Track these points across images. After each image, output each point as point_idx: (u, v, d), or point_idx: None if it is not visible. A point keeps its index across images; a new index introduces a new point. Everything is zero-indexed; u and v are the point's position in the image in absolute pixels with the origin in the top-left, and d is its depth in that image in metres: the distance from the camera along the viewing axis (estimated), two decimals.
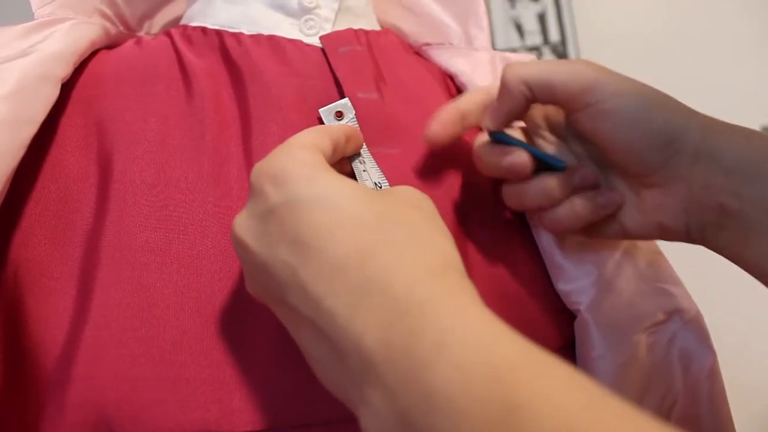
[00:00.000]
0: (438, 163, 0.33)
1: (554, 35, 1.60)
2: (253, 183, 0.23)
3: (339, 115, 0.31)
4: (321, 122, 0.31)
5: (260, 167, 0.23)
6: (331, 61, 0.34)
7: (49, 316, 0.25)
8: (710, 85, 1.53)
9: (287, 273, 0.20)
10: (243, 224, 0.22)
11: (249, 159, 0.30)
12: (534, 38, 1.60)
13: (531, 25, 1.61)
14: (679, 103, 0.27)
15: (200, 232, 0.27)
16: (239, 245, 0.22)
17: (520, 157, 0.28)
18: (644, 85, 0.27)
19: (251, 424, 0.24)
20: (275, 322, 0.24)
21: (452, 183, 0.33)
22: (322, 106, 0.31)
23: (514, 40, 1.60)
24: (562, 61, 0.28)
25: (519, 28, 1.61)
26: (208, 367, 0.25)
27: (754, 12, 1.53)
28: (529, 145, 0.29)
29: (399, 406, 0.17)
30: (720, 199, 0.26)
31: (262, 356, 0.26)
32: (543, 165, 0.29)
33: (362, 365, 0.18)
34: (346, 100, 0.31)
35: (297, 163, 0.22)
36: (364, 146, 0.30)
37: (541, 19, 1.61)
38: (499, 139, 0.29)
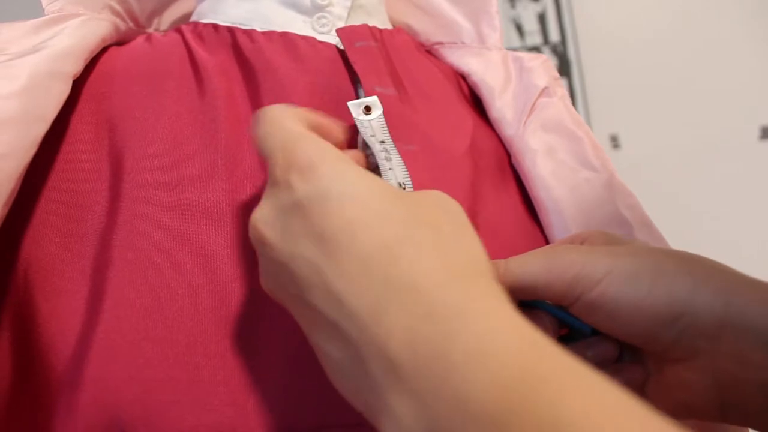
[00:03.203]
0: (453, 163, 0.33)
1: (554, 35, 1.60)
2: (275, 173, 0.22)
3: (367, 109, 0.30)
4: (337, 117, 0.31)
5: (287, 156, 0.22)
6: (349, 55, 0.33)
7: (60, 316, 0.24)
8: (710, 86, 1.54)
9: (310, 270, 0.19)
10: (263, 217, 0.22)
11: (262, 157, 0.29)
12: (534, 38, 1.60)
13: (531, 25, 1.61)
14: (689, 263, 0.24)
15: (214, 231, 0.27)
16: (259, 239, 0.22)
17: (543, 323, 0.26)
18: (640, 254, 0.24)
19: (266, 426, 0.24)
20: (291, 322, 0.24)
21: (468, 183, 0.33)
22: (336, 103, 0.31)
23: (514, 40, 1.60)
24: (550, 254, 0.25)
25: (519, 28, 1.61)
26: (223, 369, 0.24)
27: (754, 12, 1.53)
28: (556, 308, 0.26)
29: (428, 415, 0.16)
30: (763, 376, 0.22)
31: (278, 357, 0.25)
32: (569, 329, 0.27)
33: (387, 370, 0.17)
34: (374, 98, 0.31)
35: (326, 156, 0.21)
36: (392, 143, 0.29)
37: (541, 19, 1.61)
38: (523, 303, 0.27)
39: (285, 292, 0.21)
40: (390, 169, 0.28)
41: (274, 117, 0.23)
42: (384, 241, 0.19)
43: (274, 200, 0.22)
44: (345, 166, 0.21)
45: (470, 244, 0.20)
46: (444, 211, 0.22)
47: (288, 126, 0.23)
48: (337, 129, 0.26)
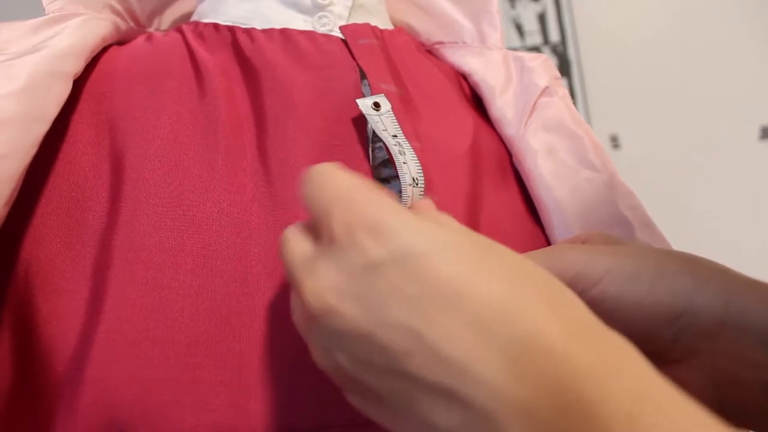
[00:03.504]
0: (454, 162, 0.33)
1: (554, 35, 1.61)
2: (339, 233, 0.20)
3: (376, 106, 0.30)
4: (339, 118, 0.31)
5: (347, 216, 0.20)
6: (354, 52, 0.33)
7: (61, 316, 0.24)
8: (710, 86, 1.54)
9: (408, 338, 0.17)
10: (331, 284, 0.19)
11: (263, 156, 0.29)
12: (534, 38, 1.61)
13: (531, 25, 1.61)
14: (690, 264, 0.24)
15: (215, 231, 0.27)
16: (325, 311, 0.19)
17: None
18: (641, 253, 0.24)
19: (267, 426, 0.24)
20: (291, 323, 0.24)
21: (469, 183, 0.33)
22: (338, 98, 0.31)
23: (514, 40, 1.60)
24: (551, 253, 0.25)
25: (519, 28, 1.61)
26: (224, 369, 0.24)
27: (754, 12, 1.53)
28: None
29: None
30: (763, 376, 0.22)
31: (279, 358, 0.25)
32: None
33: (529, 428, 0.16)
34: (382, 95, 0.30)
35: (392, 210, 0.19)
36: (404, 138, 0.29)
37: (541, 19, 1.61)
38: None
39: (362, 366, 0.19)
40: (404, 163, 0.28)
41: (325, 172, 0.22)
42: (494, 299, 0.17)
43: (342, 264, 0.19)
44: (417, 219, 0.19)
45: (576, 300, 0.19)
46: (517, 257, 0.20)
47: (341, 180, 0.21)
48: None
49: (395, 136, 0.29)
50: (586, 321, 0.18)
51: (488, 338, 0.17)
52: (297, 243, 0.22)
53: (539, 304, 0.17)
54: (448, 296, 0.17)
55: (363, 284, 0.18)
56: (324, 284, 0.19)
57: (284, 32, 0.34)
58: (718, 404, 0.23)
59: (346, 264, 0.19)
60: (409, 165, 0.28)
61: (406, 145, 0.29)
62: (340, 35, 0.35)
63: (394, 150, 0.28)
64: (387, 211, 0.19)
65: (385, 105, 0.30)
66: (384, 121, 0.30)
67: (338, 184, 0.21)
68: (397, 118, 0.31)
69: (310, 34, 0.34)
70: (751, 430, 0.23)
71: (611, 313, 0.23)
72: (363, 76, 0.33)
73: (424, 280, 0.18)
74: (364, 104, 0.30)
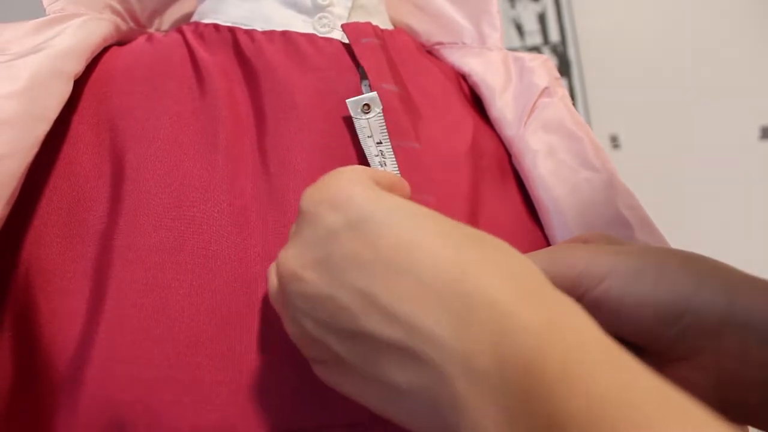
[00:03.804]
0: (454, 163, 0.33)
1: (554, 35, 1.60)
2: (304, 209, 0.21)
3: (366, 107, 0.30)
4: (339, 119, 0.31)
5: (312, 193, 0.21)
6: (355, 51, 0.33)
7: (61, 316, 0.24)
8: (710, 86, 1.54)
9: (362, 301, 0.18)
10: (294, 255, 0.21)
11: (263, 157, 0.29)
12: (534, 38, 1.60)
13: (531, 25, 1.61)
14: (692, 262, 0.24)
15: (215, 231, 0.27)
16: (291, 275, 0.20)
17: None
18: (644, 252, 0.24)
19: (267, 426, 0.24)
20: None
21: (469, 183, 0.33)
22: (339, 100, 0.31)
23: (514, 40, 1.60)
24: (553, 253, 0.25)
25: (519, 28, 1.61)
26: (224, 369, 0.24)
27: (754, 12, 1.53)
28: None
29: (519, 430, 0.15)
30: (766, 375, 0.22)
31: (279, 358, 0.25)
32: None
33: (474, 384, 0.16)
34: (374, 94, 0.30)
35: (354, 182, 0.21)
36: (389, 144, 0.29)
37: (541, 19, 1.61)
38: None
39: (325, 330, 0.20)
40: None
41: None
42: (449, 259, 0.18)
43: (305, 234, 0.21)
44: (380, 192, 0.20)
45: (529, 263, 0.19)
46: (480, 232, 0.21)
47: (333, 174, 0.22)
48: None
49: (380, 142, 0.30)
50: (533, 280, 0.18)
51: (436, 295, 0.17)
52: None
53: (487, 264, 0.18)
54: (400, 259, 0.18)
55: (324, 251, 0.20)
56: (291, 254, 0.21)
57: (285, 34, 0.34)
58: (721, 403, 0.23)
59: (310, 234, 0.20)
60: (387, 169, 0.28)
61: (389, 153, 0.29)
62: (340, 38, 0.35)
63: (375, 161, 0.29)
64: (350, 185, 0.21)
65: (376, 106, 0.30)
66: (371, 125, 0.30)
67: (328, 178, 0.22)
68: (394, 118, 0.31)
69: (310, 37, 0.34)
70: (755, 427, 0.23)
71: (614, 313, 0.23)
72: (363, 77, 0.33)
73: (377, 244, 0.19)
74: (354, 106, 0.30)
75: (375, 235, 0.19)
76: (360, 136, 0.30)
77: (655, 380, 0.15)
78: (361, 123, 0.30)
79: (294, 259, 0.21)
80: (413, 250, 0.18)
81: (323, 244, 0.20)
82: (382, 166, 0.29)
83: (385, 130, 0.30)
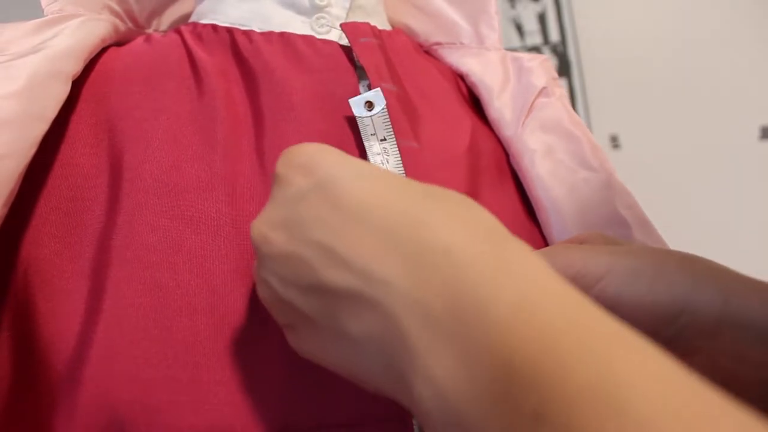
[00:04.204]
0: (452, 162, 0.33)
1: (554, 35, 1.60)
2: (278, 174, 0.22)
3: (369, 105, 0.30)
4: (337, 120, 0.31)
5: (286, 158, 0.22)
6: (354, 50, 0.33)
7: (60, 315, 0.24)
8: (710, 86, 1.54)
9: (322, 254, 0.19)
10: (264, 218, 0.21)
11: (261, 158, 0.29)
12: (534, 38, 1.61)
13: (531, 25, 1.61)
14: (689, 263, 0.24)
15: (212, 231, 0.27)
16: (260, 240, 0.21)
17: None
18: (640, 253, 0.25)
19: (265, 426, 0.24)
20: None
21: (467, 183, 0.33)
22: (337, 101, 0.31)
23: (514, 40, 1.60)
24: (550, 254, 0.25)
25: (519, 28, 1.61)
26: (222, 368, 0.24)
27: (754, 12, 1.53)
28: None
29: (473, 373, 0.15)
30: (762, 374, 0.22)
31: (277, 357, 0.25)
32: None
33: (425, 327, 0.16)
34: (377, 91, 0.30)
35: (326, 151, 0.22)
36: (394, 140, 0.29)
37: (541, 19, 1.61)
38: None
39: (290, 287, 0.21)
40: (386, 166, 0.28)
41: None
42: (405, 210, 0.19)
43: (276, 197, 0.22)
44: (345, 157, 0.21)
45: (483, 211, 0.20)
46: (446, 189, 0.21)
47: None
48: None
49: (384, 139, 0.29)
50: (489, 227, 0.18)
51: (392, 244, 0.18)
52: None
53: (443, 213, 0.18)
54: (359, 214, 0.19)
55: (290, 212, 0.21)
56: (262, 218, 0.22)
57: (283, 35, 0.34)
58: None
59: (280, 197, 0.21)
60: (389, 167, 0.28)
61: (393, 150, 0.29)
62: (338, 39, 0.35)
63: (377, 159, 0.29)
64: (320, 152, 0.21)
65: (380, 103, 0.30)
66: (375, 123, 0.30)
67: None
68: (394, 118, 0.31)
69: (308, 38, 0.34)
70: None
71: (611, 312, 0.23)
72: (361, 77, 0.33)
73: (339, 202, 0.19)
74: (357, 103, 0.30)
75: (338, 195, 0.20)
76: (363, 134, 0.30)
77: (608, 319, 0.15)
78: (364, 121, 0.30)
79: (264, 222, 0.21)
80: (371, 204, 0.19)
81: (291, 205, 0.21)
82: (384, 164, 0.29)
83: (390, 127, 0.30)
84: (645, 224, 0.33)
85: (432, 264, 0.17)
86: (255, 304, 0.26)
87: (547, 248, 0.26)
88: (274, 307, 0.22)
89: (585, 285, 0.24)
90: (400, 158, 0.29)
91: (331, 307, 0.19)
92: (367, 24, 0.36)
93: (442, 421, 0.16)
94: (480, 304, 0.16)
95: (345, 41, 0.35)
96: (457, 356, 0.15)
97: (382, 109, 0.30)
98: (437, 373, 0.16)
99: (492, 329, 0.15)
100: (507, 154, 0.37)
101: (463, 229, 0.18)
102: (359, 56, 0.33)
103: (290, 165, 0.22)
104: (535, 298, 0.15)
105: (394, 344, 0.17)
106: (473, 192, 0.33)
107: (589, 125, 1.54)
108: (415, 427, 0.26)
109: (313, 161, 0.21)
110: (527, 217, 0.35)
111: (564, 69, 1.58)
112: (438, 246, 0.17)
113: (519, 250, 0.17)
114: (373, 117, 0.30)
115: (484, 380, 0.15)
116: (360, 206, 0.19)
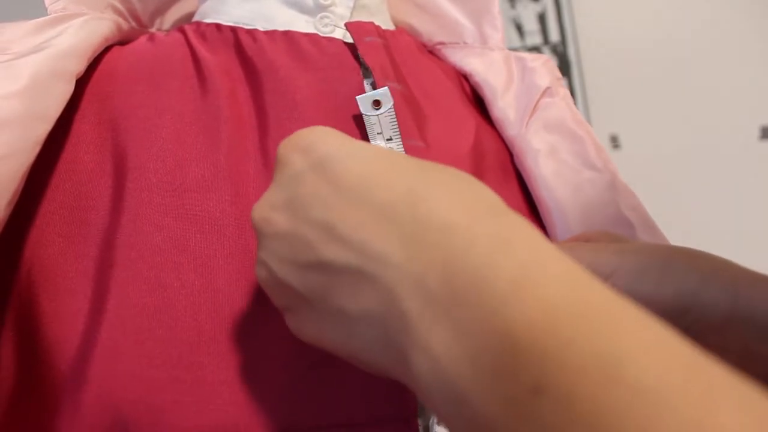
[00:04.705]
0: (456, 162, 0.33)
1: (554, 35, 1.60)
2: (279, 156, 0.22)
3: (376, 104, 0.30)
4: (341, 118, 0.31)
5: (287, 142, 0.22)
6: (359, 49, 0.33)
7: (64, 315, 0.24)
8: (710, 86, 1.54)
9: (321, 232, 0.19)
10: (265, 200, 0.22)
11: (266, 157, 0.29)
12: (534, 38, 1.60)
13: (531, 25, 1.61)
14: (696, 259, 0.24)
15: (217, 231, 0.27)
16: (261, 222, 0.21)
17: None
18: (647, 250, 0.24)
19: (269, 425, 0.24)
20: None
21: None
22: (341, 99, 0.31)
23: (514, 40, 1.60)
24: (562, 249, 0.25)
25: (519, 28, 1.61)
26: (226, 369, 0.24)
27: (753, 12, 1.53)
28: None
29: (472, 347, 0.15)
30: None
31: (281, 357, 0.25)
32: None
33: (425, 303, 0.16)
34: (385, 90, 0.30)
35: (326, 133, 0.22)
36: (400, 140, 0.29)
37: (541, 19, 1.61)
38: None
39: (288, 267, 0.20)
40: None
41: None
42: (404, 187, 0.19)
43: (277, 179, 0.22)
44: (345, 137, 0.21)
45: (484, 187, 0.19)
46: (447, 166, 0.21)
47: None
48: None
49: (390, 139, 0.29)
50: (487, 202, 0.18)
51: (391, 220, 0.18)
52: None
53: (442, 189, 0.18)
54: (358, 191, 0.19)
55: (291, 192, 0.21)
56: (263, 201, 0.22)
57: (287, 34, 0.34)
58: None
59: (280, 178, 0.21)
60: None
61: (399, 149, 0.29)
62: (342, 37, 0.35)
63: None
64: (320, 134, 0.21)
65: (387, 102, 0.30)
66: (381, 122, 0.30)
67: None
68: (401, 117, 0.31)
69: (312, 37, 0.34)
70: None
71: None
72: (366, 76, 0.33)
73: (338, 181, 0.19)
74: (364, 102, 0.30)
75: (336, 173, 0.20)
76: (369, 133, 0.30)
77: (608, 293, 0.15)
78: (371, 119, 0.30)
79: (265, 204, 0.21)
80: (371, 181, 0.19)
81: (291, 186, 0.21)
82: None
83: (396, 127, 0.30)
84: (649, 225, 0.33)
85: (431, 240, 0.17)
86: (259, 305, 0.26)
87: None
88: (272, 289, 0.22)
89: None
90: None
91: (329, 285, 0.19)
92: (372, 23, 0.36)
93: (442, 397, 0.16)
94: (479, 280, 0.15)
95: (349, 39, 0.35)
96: (456, 331, 0.15)
97: (390, 108, 0.30)
98: (436, 348, 0.15)
99: (492, 304, 0.15)
100: (511, 154, 0.37)
101: (463, 205, 0.18)
102: (364, 55, 0.33)
103: (290, 147, 0.22)
104: (534, 273, 0.15)
105: (393, 320, 0.17)
106: None
107: (589, 125, 1.54)
108: (420, 427, 0.26)
109: (311, 142, 0.21)
110: (531, 217, 0.35)
111: (564, 69, 1.58)
112: (437, 222, 0.17)
113: (519, 225, 0.17)
114: (380, 116, 0.30)
115: (484, 354, 0.14)
116: (359, 183, 0.19)
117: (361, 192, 0.19)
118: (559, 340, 0.14)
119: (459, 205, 0.18)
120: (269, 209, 0.21)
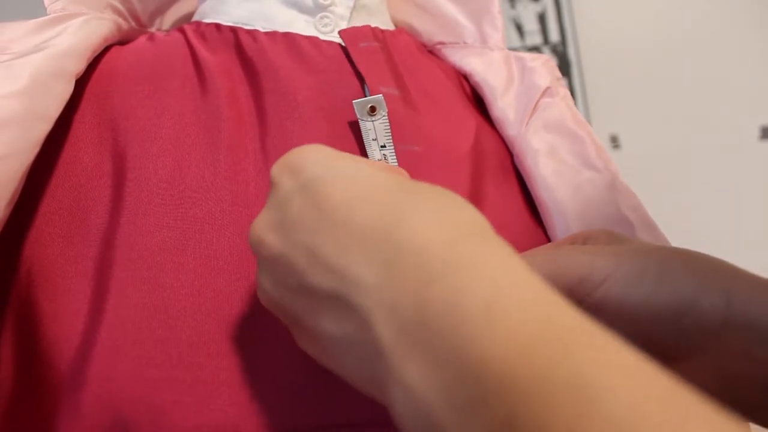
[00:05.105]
0: (456, 163, 0.33)
1: (554, 35, 1.60)
2: (272, 176, 0.22)
3: (372, 110, 0.30)
4: (341, 120, 0.31)
5: (279, 162, 0.23)
6: (353, 55, 0.33)
7: (63, 315, 0.24)
8: (710, 86, 1.54)
9: (306, 256, 0.19)
10: (260, 222, 0.22)
11: (266, 157, 0.29)
12: (534, 38, 1.60)
13: (531, 25, 1.61)
14: (693, 262, 0.24)
15: (217, 231, 0.27)
16: (256, 243, 0.21)
17: None
18: (644, 253, 0.24)
19: (268, 426, 0.24)
20: None
21: (471, 183, 0.33)
22: (341, 102, 0.31)
23: (514, 40, 1.60)
24: (555, 256, 0.25)
25: (519, 28, 1.61)
26: (226, 369, 0.24)
27: (754, 12, 1.53)
28: None
29: (447, 378, 0.14)
30: (766, 374, 0.22)
31: (280, 357, 0.25)
32: None
33: (398, 332, 0.16)
34: (380, 97, 0.30)
35: (316, 151, 0.22)
36: (393, 149, 0.30)
37: (541, 19, 1.61)
38: None
39: (281, 289, 0.21)
40: None
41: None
42: (382, 209, 0.18)
43: (270, 201, 0.22)
44: (334, 156, 0.21)
45: (469, 208, 0.19)
46: (433, 185, 0.21)
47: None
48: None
49: (384, 146, 0.30)
50: (470, 226, 0.18)
51: (370, 244, 0.18)
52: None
53: (424, 211, 0.18)
54: (340, 213, 0.19)
55: (280, 215, 0.21)
56: (258, 222, 0.22)
57: (287, 35, 0.34)
58: (724, 402, 0.23)
59: (272, 200, 0.22)
60: None
61: (392, 157, 0.29)
62: (341, 41, 0.35)
63: (373, 155, 0.29)
64: (310, 152, 0.22)
65: (382, 109, 0.30)
66: (376, 129, 0.30)
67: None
68: (394, 121, 0.31)
69: (313, 39, 0.34)
70: (758, 425, 0.23)
71: (616, 313, 0.23)
72: (363, 81, 0.33)
73: (322, 204, 0.19)
74: (360, 108, 0.30)
75: (321, 195, 0.20)
76: (364, 138, 0.30)
77: (578, 316, 0.15)
78: (366, 125, 0.30)
79: (259, 225, 0.22)
80: (353, 203, 0.19)
81: (281, 208, 0.21)
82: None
83: (390, 135, 0.30)
84: (649, 225, 0.33)
85: (406, 265, 0.17)
86: (259, 305, 0.26)
87: (551, 248, 0.26)
88: (272, 309, 0.23)
89: (589, 288, 0.24)
90: (397, 164, 0.29)
91: (316, 309, 0.19)
92: (368, 27, 0.36)
93: (417, 426, 0.15)
94: (450, 307, 0.15)
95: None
96: (429, 362, 0.15)
97: (384, 116, 0.30)
98: (410, 380, 0.15)
99: (462, 333, 0.14)
100: (511, 154, 0.37)
101: (442, 227, 0.17)
102: (358, 62, 0.33)
103: (281, 167, 0.22)
104: (507, 300, 0.15)
105: (370, 347, 0.17)
106: (477, 192, 0.33)
107: (589, 125, 1.54)
108: None
109: (301, 162, 0.21)
110: (531, 217, 0.35)
111: (564, 69, 1.58)
112: (414, 247, 0.17)
113: (497, 249, 0.17)
114: (375, 122, 0.30)
115: (456, 386, 0.14)
116: (341, 206, 0.19)
117: (342, 215, 0.19)
118: (531, 371, 0.13)
119: (438, 226, 0.17)
120: (262, 231, 0.21)
